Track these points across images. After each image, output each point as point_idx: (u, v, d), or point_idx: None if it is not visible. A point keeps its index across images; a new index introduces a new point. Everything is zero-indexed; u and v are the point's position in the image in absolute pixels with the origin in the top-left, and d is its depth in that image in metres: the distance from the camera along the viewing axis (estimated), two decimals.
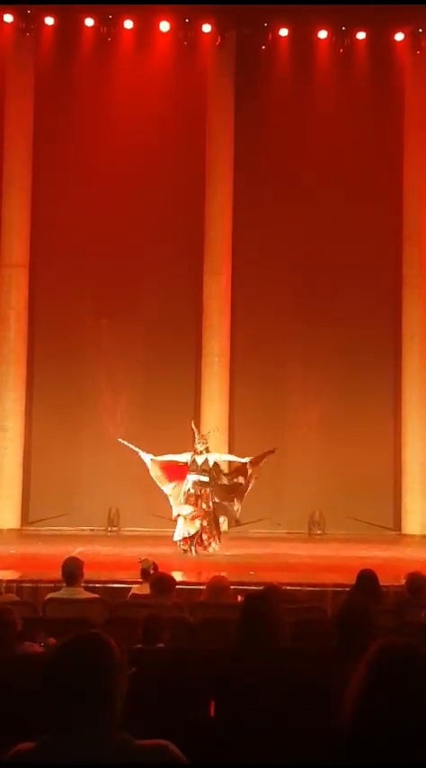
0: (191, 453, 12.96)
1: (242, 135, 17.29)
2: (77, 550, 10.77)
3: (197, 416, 16.72)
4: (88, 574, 7.68)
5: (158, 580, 7.06)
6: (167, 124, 17.32)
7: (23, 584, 9.33)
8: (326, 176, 17.21)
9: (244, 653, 4.20)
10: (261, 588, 6.74)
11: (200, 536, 12.66)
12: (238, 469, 13.06)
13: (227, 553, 12.66)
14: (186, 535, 12.65)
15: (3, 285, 17.00)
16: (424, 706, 2.03)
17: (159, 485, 13.09)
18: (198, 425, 15.61)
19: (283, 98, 17.49)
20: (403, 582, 7.59)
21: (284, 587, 7.60)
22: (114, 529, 16.66)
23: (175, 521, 12.77)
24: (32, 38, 17.04)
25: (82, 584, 7.28)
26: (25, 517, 16.83)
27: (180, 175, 17.36)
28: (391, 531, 16.92)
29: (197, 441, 13.08)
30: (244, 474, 12.86)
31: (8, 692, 3.81)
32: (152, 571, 7.93)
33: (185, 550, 12.61)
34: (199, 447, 12.99)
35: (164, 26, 17.20)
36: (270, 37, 17.24)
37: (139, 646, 4.86)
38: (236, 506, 12.89)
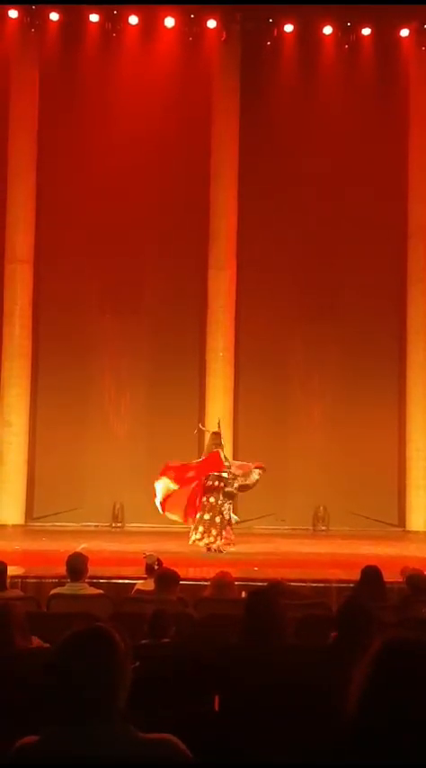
0: (217, 448, 12.86)
1: (246, 130, 17.26)
2: (82, 546, 10.78)
3: (201, 412, 16.75)
4: (93, 569, 7.68)
5: (162, 575, 7.07)
6: (172, 120, 17.31)
7: (28, 580, 9.34)
8: (331, 172, 17.19)
9: (247, 648, 4.21)
10: (265, 584, 6.76)
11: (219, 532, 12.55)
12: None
13: (232, 549, 12.65)
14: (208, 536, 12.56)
15: (7, 281, 17.01)
16: None
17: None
18: (202, 421, 15.64)
19: (288, 94, 17.46)
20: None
21: (288, 583, 7.61)
22: (119, 525, 16.69)
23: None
24: (37, 34, 17.04)
25: (86, 580, 7.28)
26: (30, 513, 16.85)
27: (185, 171, 17.35)
28: (395, 528, 16.91)
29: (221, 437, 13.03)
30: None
31: (14, 685, 3.82)
32: (156, 567, 7.94)
33: (211, 548, 12.49)
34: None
35: (169, 22, 17.17)
36: (275, 32, 17.22)
37: (145, 641, 4.87)
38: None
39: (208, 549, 12.43)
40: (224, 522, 12.57)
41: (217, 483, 12.64)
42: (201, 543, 12.43)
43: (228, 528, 12.64)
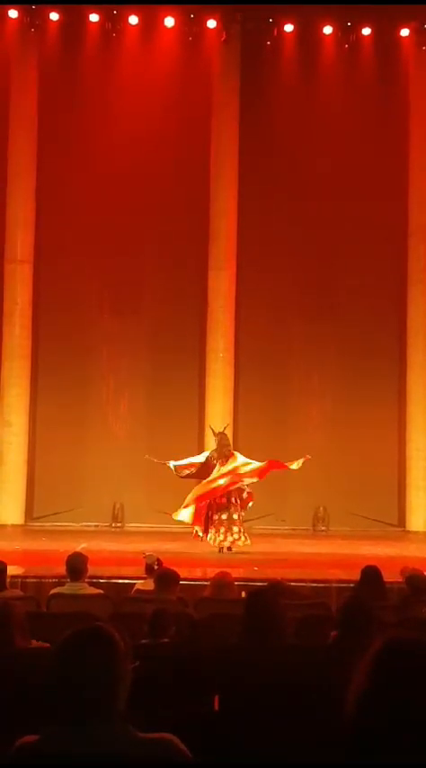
0: (230, 450, 12.97)
1: (247, 130, 17.27)
2: (81, 546, 10.78)
3: (201, 412, 16.75)
4: (92, 569, 7.68)
5: (162, 575, 7.06)
6: (172, 120, 17.31)
7: (28, 580, 9.34)
8: (331, 172, 17.19)
9: (247, 648, 4.21)
10: (265, 584, 6.76)
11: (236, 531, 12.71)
12: None
13: (232, 549, 12.67)
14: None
15: (7, 281, 17.02)
16: None
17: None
18: (203, 421, 15.66)
19: (288, 94, 17.46)
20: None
21: (288, 583, 7.61)
22: (118, 524, 16.68)
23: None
24: (37, 33, 17.04)
25: (86, 580, 7.28)
26: (29, 513, 16.85)
27: (185, 171, 17.35)
28: (395, 528, 16.92)
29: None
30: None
31: (13, 685, 3.82)
32: (156, 566, 7.94)
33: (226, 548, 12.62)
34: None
35: (169, 22, 17.18)
36: (275, 32, 17.21)
37: (145, 641, 4.87)
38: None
39: (228, 549, 12.59)
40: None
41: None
42: (240, 543, 12.63)
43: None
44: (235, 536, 12.59)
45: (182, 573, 7.54)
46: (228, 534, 12.57)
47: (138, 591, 7.58)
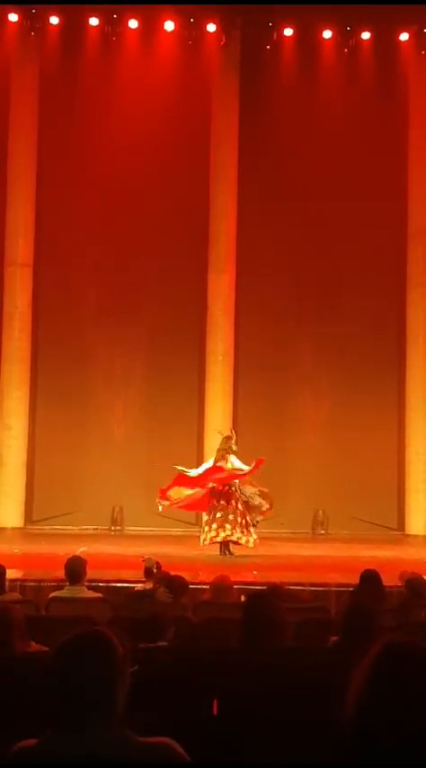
0: (226, 454, 12.96)
1: (246, 134, 17.29)
2: (80, 549, 10.77)
3: (201, 415, 16.74)
4: (91, 573, 7.68)
5: (171, 584, 7.07)
6: (172, 124, 17.33)
7: (27, 583, 9.33)
8: (330, 175, 17.21)
9: (246, 652, 4.21)
10: (264, 588, 6.76)
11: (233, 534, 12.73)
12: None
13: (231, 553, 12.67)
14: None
15: (7, 284, 17.03)
16: None
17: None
18: (203, 425, 15.66)
19: (287, 97, 17.48)
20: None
21: (287, 587, 7.60)
22: (118, 528, 16.67)
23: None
24: (37, 37, 17.06)
25: (85, 584, 7.28)
26: (29, 516, 16.84)
27: (184, 174, 17.37)
28: (394, 532, 16.91)
29: (233, 441, 13.08)
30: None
31: (12, 689, 3.81)
32: (155, 570, 7.94)
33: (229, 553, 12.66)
34: (235, 447, 13.03)
35: (169, 26, 17.20)
36: (274, 36, 17.23)
37: (144, 644, 4.86)
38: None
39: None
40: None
41: (232, 488, 12.82)
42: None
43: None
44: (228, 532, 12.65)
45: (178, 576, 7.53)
46: (221, 530, 12.60)
47: None
